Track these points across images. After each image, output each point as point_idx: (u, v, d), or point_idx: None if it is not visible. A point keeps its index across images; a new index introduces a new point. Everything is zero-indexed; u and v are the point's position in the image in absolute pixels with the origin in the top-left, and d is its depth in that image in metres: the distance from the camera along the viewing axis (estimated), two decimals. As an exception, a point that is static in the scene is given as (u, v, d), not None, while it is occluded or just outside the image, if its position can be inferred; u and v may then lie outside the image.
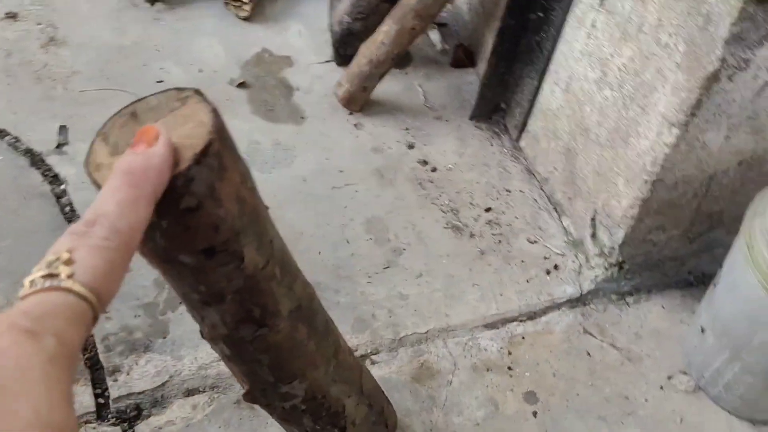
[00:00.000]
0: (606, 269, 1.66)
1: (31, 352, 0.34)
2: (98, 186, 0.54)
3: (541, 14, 1.75)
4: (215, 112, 0.58)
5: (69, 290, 0.39)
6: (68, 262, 0.40)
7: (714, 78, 1.25)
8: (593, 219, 1.67)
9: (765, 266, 1.23)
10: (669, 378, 1.56)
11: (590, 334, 1.60)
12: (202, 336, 0.88)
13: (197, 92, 0.59)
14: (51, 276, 0.40)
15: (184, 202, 0.57)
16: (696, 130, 1.34)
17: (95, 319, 0.41)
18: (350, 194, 1.76)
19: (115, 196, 0.46)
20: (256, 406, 1.35)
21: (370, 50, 1.86)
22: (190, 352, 1.43)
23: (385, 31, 1.82)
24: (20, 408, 0.32)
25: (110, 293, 0.42)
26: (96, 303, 0.40)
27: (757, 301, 1.26)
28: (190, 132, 0.56)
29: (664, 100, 1.36)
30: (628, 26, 1.44)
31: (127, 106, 0.58)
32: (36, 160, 1.71)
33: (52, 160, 1.72)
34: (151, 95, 0.59)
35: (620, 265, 1.65)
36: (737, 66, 1.25)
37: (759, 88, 1.31)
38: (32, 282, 0.40)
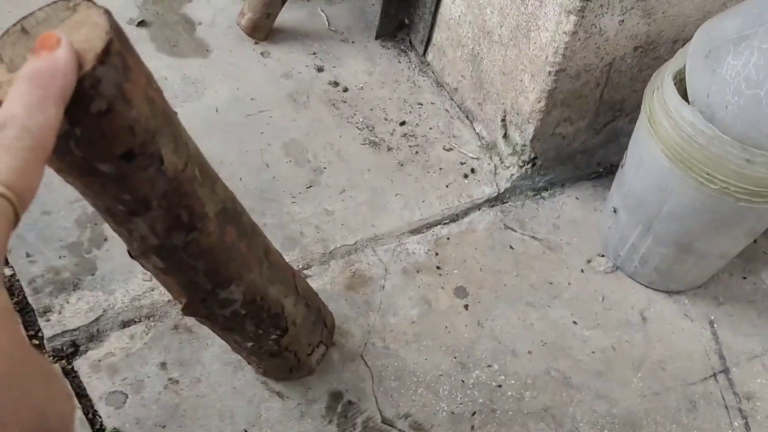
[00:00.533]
0: (520, 167, 1.72)
1: None
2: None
3: (434, -76, 1.77)
4: (108, 14, 0.57)
5: None
6: None
7: (603, -40, 1.30)
8: (503, 119, 1.72)
9: (666, 137, 1.30)
10: (588, 262, 1.64)
11: (511, 228, 1.67)
12: (131, 255, 0.88)
13: None
14: None
15: (95, 105, 0.57)
16: (591, 15, 1.39)
17: (17, 217, 0.41)
18: (265, 120, 1.76)
19: (22, 99, 0.45)
20: (196, 326, 1.38)
21: (267, -25, 1.85)
22: (121, 285, 1.43)
23: (281, -46, 1.81)
24: None
25: (29, 191, 0.42)
26: (16, 201, 0.40)
27: (662, 171, 1.34)
28: (87, 35, 0.55)
29: (559, -10, 1.41)
30: (519, -77, 1.48)
31: (15, 23, 0.57)
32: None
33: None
34: (38, 9, 0.57)
35: (533, 162, 1.71)
36: (624, -53, 1.30)
37: (646, -31, 1.36)
38: None
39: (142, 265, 0.90)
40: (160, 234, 0.80)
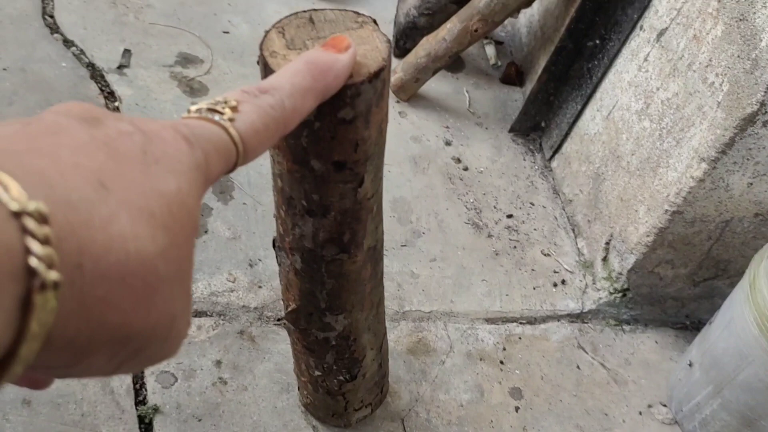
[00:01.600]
0: (610, 294, 1.72)
1: (184, 152, 0.37)
2: (268, 69, 0.60)
3: (597, 42, 1.82)
4: (389, 43, 0.64)
5: (225, 130, 0.41)
6: (233, 109, 0.43)
7: (750, 120, 1.32)
8: (607, 243, 1.73)
9: (763, 306, 1.28)
10: (649, 407, 1.61)
11: (583, 349, 1.66)
12: (274, 245, 0.93)
13: (374, 21, 0.65)
14: (215, 111, 0.42)
15: (343, 113, 0.63)
16: (723, 169, 1.41)
17: (234, 166, 0.43)
18: (383, 172, 1.83)
19: (293, 78, 0.48)
20: (259, 337, 1.43)
21: (430, 44, 1.94)
22: (206, 278, 1.50)
23: (449, 29, 1.90)
24: (168, 181, 0.34)
25: (254, 152, 0.44)
26: (241, 153, 0.42)
27: (749, 338, 1.32)
28: (365, 53, 0.62)
29: (699, 135, 1.43)
30: (679, 63, 1.51)
31: (305, 11, 0.64)
32: (96, 74, 1.80)
33: (112, 78, 1.80)
34: (328, 9, 0.64)
35: (624, 293, 1.71)
36: (775, 114, 1.32)
37: (791, 142, 1.37)
38: (198, 109, 0.42)
39: (278, 259, 0.94)
40: (318, 241, 0.84)
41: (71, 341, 0.29)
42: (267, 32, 0.63)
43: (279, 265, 0.97)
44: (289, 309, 1.02)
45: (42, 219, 0.26)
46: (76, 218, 0.28)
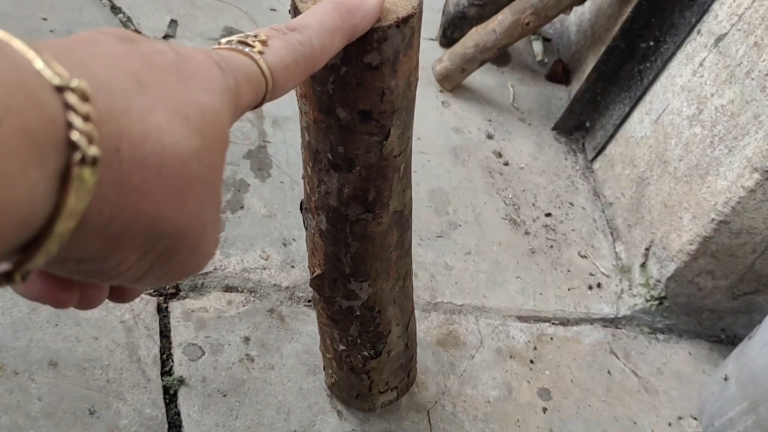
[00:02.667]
0: (647, 301, 1.68)
1: (217, 74, 0.37)
2: (298, 14, 0.60)
3: (651, 44, 1.78)
4: None
5: (256, 62, 0.42)
6: (263, 43, 0.43)
7: (811, 132, 1.28)
8: (647, 249, 1.69)
9: (810, 323, 1.24)
10: (679, 418, 1.58)
11: (615, 355, 1.63)
12: (301, 208, 0.92)
13: None
14: (246, 44, 0.43)
15: (369, 57, 0.63)
16: (777, 181, 1.37)
17: (263, 100, 0.44)
18: (422, 162, 1.80)
19: (321, 17, 0.49)
20: (289, 316, 1.41)
21: (479, 34, 1.91)
22: (239, 253, 1.48)
23: (500, 20, 1.87)
24: (202, 94, 0.35)
25: (282, 87, 0.45)
26: (270, 86, 0.43)
27: (792, 356, 1.28)
28: (395, 2, 0.62)
29: (753, 145, 1.39)
30: (737, 70, 1.47)
31: None
32: (142, 44, 1.79)
33: (158, 49, 1.79)
34: None
35: (661, 301, 1.67)
36: (837, 126, 1.27)
37: None
38: (228, 41, 0.43)
39: (304, 222, 0.94)
40: (343, 198, 0.83)
41: (105, 226, 0.30)
42: None
43: (306, 228, 0.96)
44: (315, 274, 1.01)
45: (84, 97, 0.27)
46: (115, 105, 0.29)
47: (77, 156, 0.27)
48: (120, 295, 0.43)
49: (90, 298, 0.40)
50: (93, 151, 0.27)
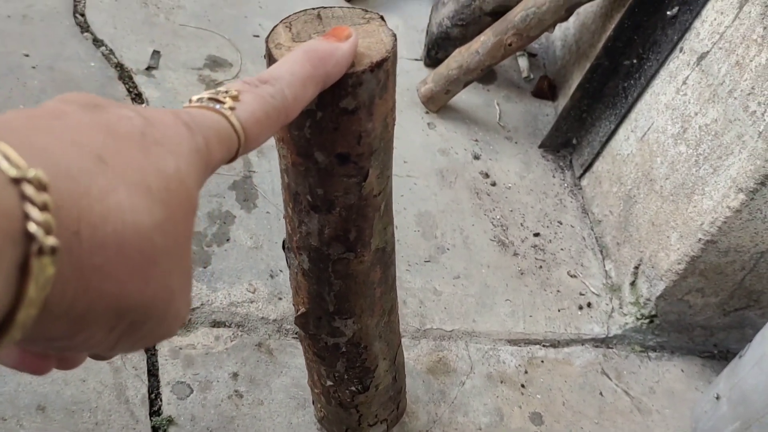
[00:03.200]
0: (637, 319, 1.68)
1: (184, 136, 0.37)
2: (272, 60, 0.61)
3: (635, 61, 1.78)
4: (395, 38, 0.64)
5: (227, 118, 0.42)
6: (234, 98, 0.43)
7: (793, 153, 1.28)
8: (636, 267, 1.69)
9: (799, 345, 1.24)
10: (673, 438, 1.57)
11: (607, 375, 1.62)
12: (284, 247, 0.92)
13: (381, 17, 0.65)
14: (216, 101, 0.43)
15: (345, 102, 0.63)
16: (762, 201, 1.36)
17: (236, 154, 0.43)
18: (409, 185, 1.80)
19: (292, 67, 0.49)
20: (277, 350, 1.40)
21: (462, 56, 1.90)
22: (226, 287, 1.48)
23: (482, 41, 1.87)
24: (167, 160, 0.35)
25: (256, 141, 0.45)
26: (242, 141, 0.43)
27: (782, 377, 1.27)
28: (369, 45, 0.62)
29: (737, 165, 1.39)
30: (720, 89, 1.47)
31: (314, 8, 0.65)
32: (124, 75, 1.79)
33: (140, 80, 1.79)
34: (337, 6, 0.66)
35: (651, 319, 1.67)
36: (819, 147, 1.27)
37: (834, 175, 1.33)
38: (199, 98, 0.43)
39: (287, 261, 0.94)
40: (324, 238, 0.83)
41: (69, 309, 0.30)
42: (274, 27, 0.64)
43: (289, 267, 0.96)
44: (299, 312, 1.01)
45: (41, 186, 0.27)
46: (74, 188, 0.29)
47: (35, 247, 0.27)
48: (100, 355, 0.42)
49: (69, 362, 0.40)
50: (51, 241, 0.27)
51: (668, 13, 1.68)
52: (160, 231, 0.33)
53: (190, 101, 0.44)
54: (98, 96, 0.36)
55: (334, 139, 0.68)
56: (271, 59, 0.62)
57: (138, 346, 0.37)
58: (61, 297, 0.29)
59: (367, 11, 0.66)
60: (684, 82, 1.60)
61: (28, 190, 0.27)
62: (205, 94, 0.43)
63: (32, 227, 0.26)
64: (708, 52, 1.53)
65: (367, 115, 0.66)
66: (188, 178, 0.36)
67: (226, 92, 0.44)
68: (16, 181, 0.26)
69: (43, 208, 0.27)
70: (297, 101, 0.49)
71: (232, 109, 0.43)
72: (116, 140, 0.33)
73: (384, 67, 0.62)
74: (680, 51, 1.64)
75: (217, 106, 0.42)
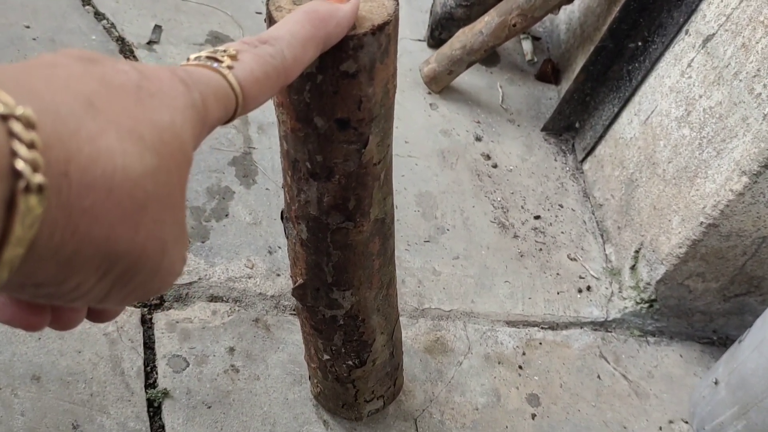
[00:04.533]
0: (636, 303, 1.67)
1: (180, 91, 0.37)
2: (272, 23, 0.60)
3: (640, 44, 1.77)
4: (397, 2, 0.64)
5: (224, 77, 0.42)
6: (233, 58, 0.43)
7: (798, 135, 1.27)
8: (637, 251, 1.68)
9: (799, 328, 1.23)
10: (670, 422, 1.57)
11: (605, 359, 1.62)
12: (282, 217, 0.92)
13: None
14: (214, 59, 0.42)
15: (345, 65, 0.62)
16: (765, 184, 1.35)
17: (234, 114, 0.43)
18: (410, 165, 1.79)
19: (292, 27, 0.49)
20: (274, 326, 1.40)
21: (466, 36, 1.89)
22: (224, 262, 1.47)
23: (486, 21, 1.85)
24: (162, 113, 0.35)
25: (254, 101, 0.44)
26: (240, 101, 0.43)
27: (781, 361, 1.27)
28: (371, 9, 0.62)
29: (741, 147, 1.38)
30: (725, 71, 1.46)
31: None
32: (125, 49, 1.78)
33: (140, 54, 1.78)
34: None
35: (651, 303, 1.66)
36: (824, 129, 1.26)
37: (838, 159, 1.32)
38: (197, 57, 0.43)
39: (285, 231, 0.93)
40: (323, 207, 0.83)
41: (57, 251, 0.30)
42: None
43: (287, 237, 0.96)
44: (297, 284, 1.00)
45: (29, 124, 0.27)
46: (63, 129, 0.29)
47: (22, 184, 0.27)
48: (97, 315, 0.42)
49: (66, 320, 0.40)
50: (38, 179, 0.27)
51: (675, -5, 1.67)
52: (152, 179, 0.33)
53: (188, 60, 0.43)
54: (97, 52, 0.36)
55: (334, 103, 0.67)
56: (271, 21, 0.62)
57: (131, 298, 0.37)
58: (48, 238, 0.29)
59: None
60: (689, 65, 1.58)
61: (16, 126, 0.27)
62: (203, 53, 0.43)
63: (19, 164, 0.26)
64: (714, 34, 1.52)
65: (368, 79, 0.65)
66: (183, 131, 0.36)
67: (224, 51, 0.43)
68: (3, 118, 0.26)
69: (31, 146, 0.27)
70: (297, 62, 0.48)
71: (230, 68, 0.42)
72: (109, 90, 0.33)
73: (386, 31, 0.62)
74: (686, 33, 1.62)
75: (215, 65, 0.42)
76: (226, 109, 0.42)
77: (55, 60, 0.33)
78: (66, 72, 0.32)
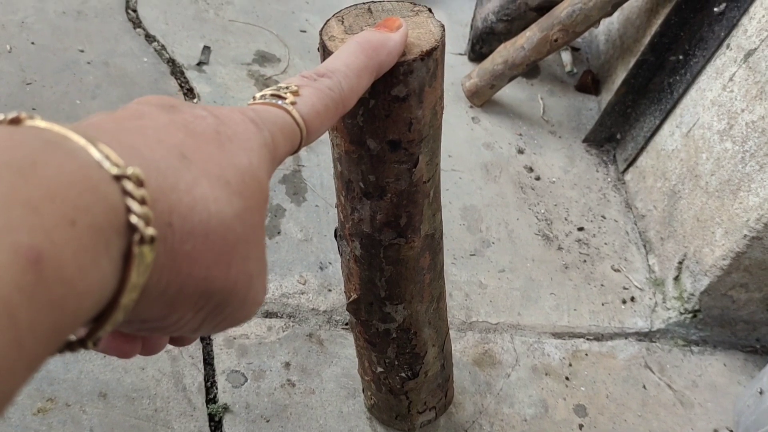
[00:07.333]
0: (680, 314, 1.69)
1: (253, 132, 0.40)
2: (327, 52, 0.64)
3: (681, 57, 1.79)
4: (443, 28, 0.67)
5: (289, 113, 0.45)
6: (295, 93, 0.46)
7: (843, 151, 1.29)
8: (680, 262, 1.70)
9: None
10: (715, 431, 1.59)
11: (650, 369, 1.64)
12: (336, 235, 0.96)
13: (429, 10, 0.69)
14: (278, 96, 0.46)
15: (396, 90, 0.66)
16: (809, 199, 1.37)
17: (299, 147, 0.46)
18: (454, 179, 1.83)
19: (347, 59, 0.52)
20: (328, 341, 1.44)
21: (508, 51, 1.92)
22: (277, 279, 1.52)
23: (528, 37, 1.89)
24: (240, 156, 0.38)
25: (316, 132, 0.47)
26: (304, 134, 0.46)
27: (828, 374, 1.29)
28: (419, 36, 0.66)
29: (785, 162, 1.40)
30: (767, 86, 1.47)
31: (364, 2, 0.69)
32: (176, 70, 1.84)
33: (191, 75, 1.84)
34: (386, 0, 0.69)
35: (695, 314, 1.68)
36: None
37: None
38: (262, 95, 0.46)
39: (339, 248, 0.97)
40: (376, 224, 0.87)
41: (163, 292, 0.33)
42: (327, 20, 0.67)
43: (341, 255, 0.99)
44: (351, 299, 1.04)
45: (139, 182, 0.30)
46: (165, 183, 0.32)
47: (137, 237, 0.29)
48: (179, 340, 0.46)
49: (152, 346, 0.44)
50: (150, 231, 0.30)
51: (715, 9, 1.69)
52: (240, 220, 0.36)
53: (254, 99, 0.47)
54: (170, 96, 0.40)
55: (386, 126, 0.71)
56: (325, 50, 0.65)
57: (220, 327, 0.40)
58: (157, 281, 0.32)
59: (415, 4, 0.69)
60: (730, 79, 1.60)
61: (129, 185, 0.29)
62: (267, 91, 0.46)
63: (134, 219, 0.29)
64: (755, 49, 1.54)
65: (418, 102, 0.69)
66: (260, 171, 0.39)
67: (287, 88, 0.47)
68: (117, 178, 0.29)
69: (142, 201, 0.30)
70: (353, 92, 0.51)
71: (293, 104, 0.45)
72: (194, 138, 0.36)
73: (433, 56, 0.65)
74: (727, 48, 1.64)
75: (279, 102, 0.45)
76: (292, 143, 0.45)
77: (140, 111, 0.36)
78: (153, 123, 0.35)
